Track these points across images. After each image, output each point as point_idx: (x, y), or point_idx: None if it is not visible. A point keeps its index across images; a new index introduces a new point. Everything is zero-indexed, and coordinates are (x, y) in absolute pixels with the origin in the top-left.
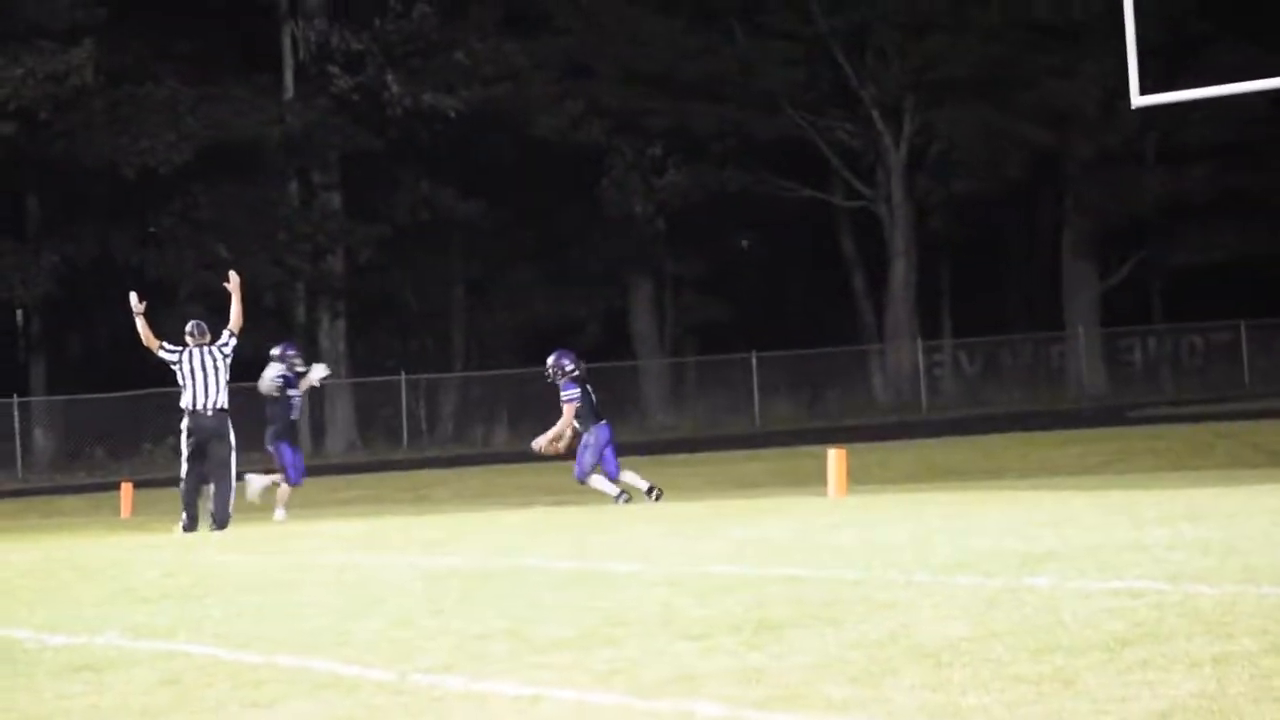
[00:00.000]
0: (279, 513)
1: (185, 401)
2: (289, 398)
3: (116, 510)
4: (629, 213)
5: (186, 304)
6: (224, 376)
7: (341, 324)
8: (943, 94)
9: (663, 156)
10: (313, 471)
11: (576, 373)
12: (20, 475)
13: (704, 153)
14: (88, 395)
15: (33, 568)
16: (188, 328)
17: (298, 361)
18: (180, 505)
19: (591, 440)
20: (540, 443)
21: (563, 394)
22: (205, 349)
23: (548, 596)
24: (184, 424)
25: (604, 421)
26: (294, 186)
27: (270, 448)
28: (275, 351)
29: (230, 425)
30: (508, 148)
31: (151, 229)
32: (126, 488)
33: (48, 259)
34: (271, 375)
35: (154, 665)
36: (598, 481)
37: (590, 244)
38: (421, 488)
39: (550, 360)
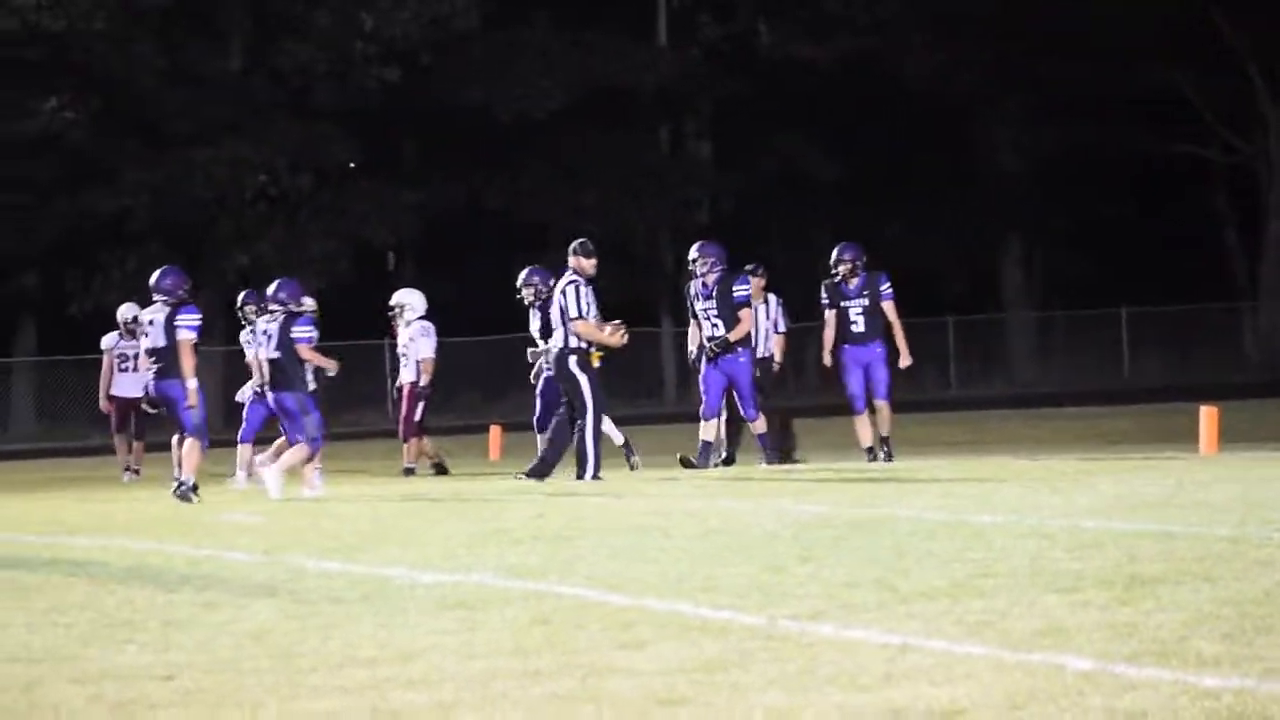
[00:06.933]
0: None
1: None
2: None
3: (485, 452)
4: (998, 166)
5: (557, 249)
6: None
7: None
8: None
9: (1032, 110)
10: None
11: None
12: (390, 415)
13: (1076, 106)
14: (457, 338)
15: (405, 507)
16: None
17: None
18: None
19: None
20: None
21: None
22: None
23: (916, 546)
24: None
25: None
26: (664, 134)
27: None
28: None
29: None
30: (874, 98)
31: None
32: (495, 430)
33: (417, 200)
34: None
35: (526, 604)
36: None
37: (958, 197)
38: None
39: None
